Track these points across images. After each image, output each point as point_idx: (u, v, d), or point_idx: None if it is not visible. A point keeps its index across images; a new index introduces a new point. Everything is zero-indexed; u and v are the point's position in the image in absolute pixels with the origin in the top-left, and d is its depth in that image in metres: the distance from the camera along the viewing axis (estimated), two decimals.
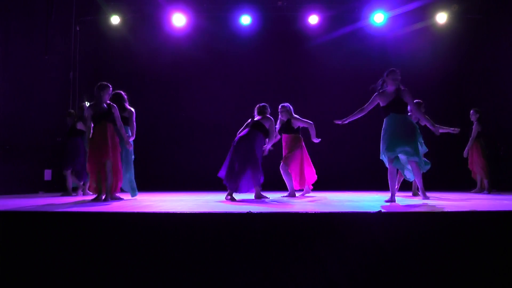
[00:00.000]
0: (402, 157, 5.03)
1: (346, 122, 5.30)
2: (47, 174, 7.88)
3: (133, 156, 5.83)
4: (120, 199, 5.53)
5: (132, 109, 5.86)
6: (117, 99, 5.67)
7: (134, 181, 5.86)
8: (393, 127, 4.88)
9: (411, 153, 4.87)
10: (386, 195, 5.56)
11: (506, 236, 3.21)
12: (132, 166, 5.83)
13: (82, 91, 8.89)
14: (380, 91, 5.05)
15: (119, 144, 5.35)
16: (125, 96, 5.84)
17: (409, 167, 5.10)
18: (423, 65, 9.07)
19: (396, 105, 4.92)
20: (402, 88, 4.97)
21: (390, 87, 4.98)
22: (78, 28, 8.82)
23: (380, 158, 5.05)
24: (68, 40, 8.62)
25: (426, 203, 4.58)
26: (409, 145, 4.84)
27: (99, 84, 5.31)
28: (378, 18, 9.05)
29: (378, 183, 7.11)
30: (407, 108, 5.06)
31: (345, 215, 3.32)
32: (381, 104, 5.02)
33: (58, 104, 8.35)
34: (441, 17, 9.12)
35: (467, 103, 9.30)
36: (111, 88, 5.39)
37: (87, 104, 6.44)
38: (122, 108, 5.69)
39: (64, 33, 8.53)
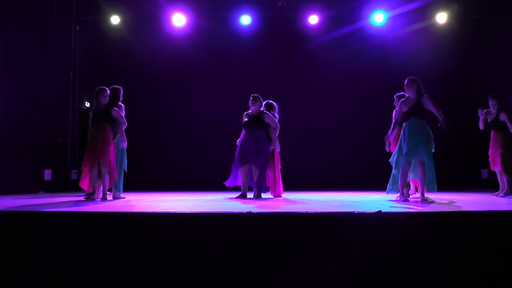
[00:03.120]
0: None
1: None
2: (47, 174, 7.87)
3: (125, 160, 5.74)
4: (122, 198, 5.56)
5: (122, 105, 5.78)
6: (111, 95, 5.58)
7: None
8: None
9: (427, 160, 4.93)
10: (386, 195, 5.56)
11: (506, 236, 3.21)
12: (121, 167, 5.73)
13: (82, 91, 8.89)
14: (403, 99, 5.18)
15: (114, 145, 5.38)
16: (121, 92, 5.73)
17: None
18: (423, 65, 9.06)
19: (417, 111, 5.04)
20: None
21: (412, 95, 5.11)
22: (78, 28, 8.81)
23: (393, 160, 5.06)
24: (68, 40, 8.60)
25: (426, 203, 4.58)
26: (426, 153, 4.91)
27: (97, 89, 5.49)
28: (378, 18, 9.05)
29: (378, 183, 7.11)
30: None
31: (345, 215, 3.32)
32: (404, 110, 5.10)
33: (58, 104, 8.34)
34: (441, 17, 9.12)
35: (467, 103, 9.31)
36: (108, 91, 5.48)
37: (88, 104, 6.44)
38: (116, 106, 5.57)
39: (64, 33, 8.51)
